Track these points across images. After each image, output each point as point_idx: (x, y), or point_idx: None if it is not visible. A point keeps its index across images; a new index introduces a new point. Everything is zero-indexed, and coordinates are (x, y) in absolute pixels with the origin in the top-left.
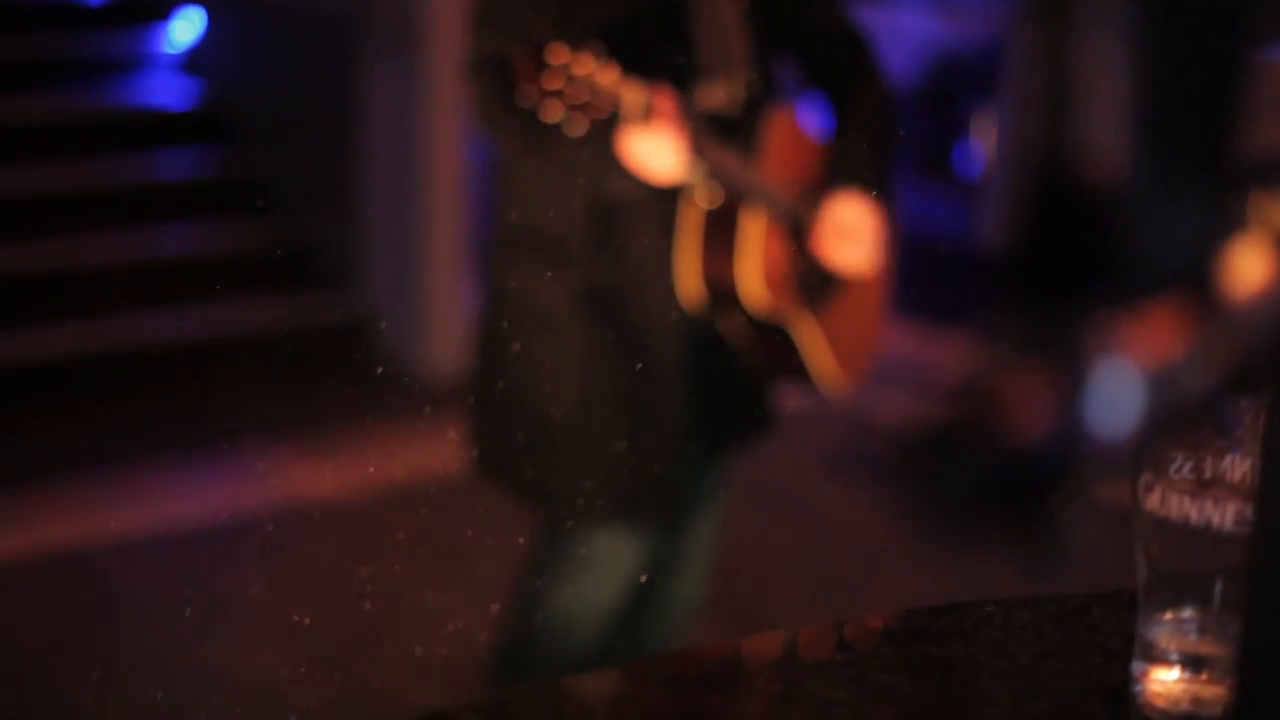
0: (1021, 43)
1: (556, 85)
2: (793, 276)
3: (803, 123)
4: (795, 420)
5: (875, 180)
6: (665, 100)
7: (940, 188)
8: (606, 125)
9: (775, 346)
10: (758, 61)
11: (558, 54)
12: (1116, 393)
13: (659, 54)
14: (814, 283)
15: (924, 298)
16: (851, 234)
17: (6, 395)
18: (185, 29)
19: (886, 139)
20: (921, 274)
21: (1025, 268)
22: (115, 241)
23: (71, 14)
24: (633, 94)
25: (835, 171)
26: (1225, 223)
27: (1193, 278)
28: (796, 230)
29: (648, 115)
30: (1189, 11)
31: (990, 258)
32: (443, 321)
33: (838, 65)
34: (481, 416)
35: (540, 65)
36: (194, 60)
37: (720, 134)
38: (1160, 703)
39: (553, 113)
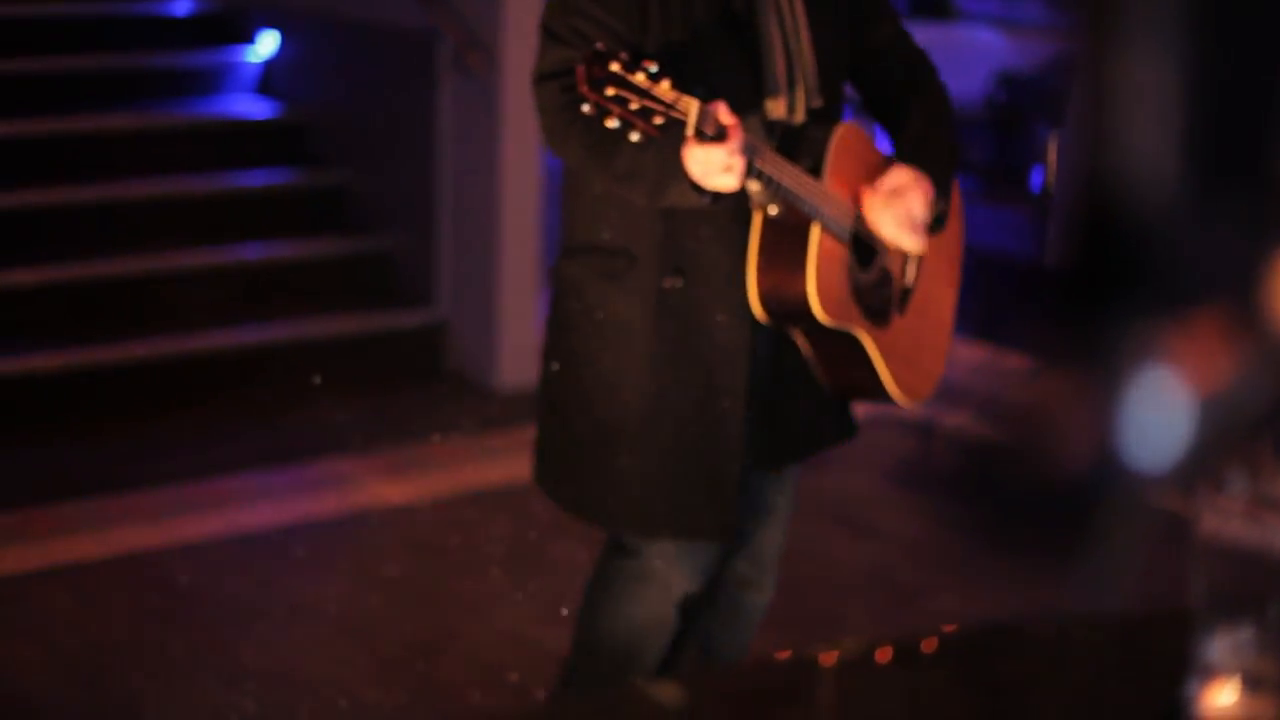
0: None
1: (614, 93)
2: (858, 290)
3: (866, 138)
4: (861, 432)
5: (939, 179)
6: (726, 113)
7: (1015, 205)
8: (669, 136)
9: (843, 359)
10: (823, 76)
11: (618, 64)
12: (1164, 407)
13: (726, 68)
14: (880, 296)
15: (993, 313)
16: (902, 204)
17: (87, 401)
18: (268, 44)
19: (950, 150)
20: (990, 290)
21: (1075, 283)
22: (194, 252)
23: (155, 28)
24: (692, 106)
25: (898, 157)
26: (1270, 238)
27: (1237, 292)
28: (861, 244)
29: (709, 127)
30: (1236, 32)
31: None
32: (516, 332)
33: (900, 81)
34: (549, 426)
35: (601, 75)
36: (275, 75)
37: (784, 147)
38: None
39: (611, 121)
